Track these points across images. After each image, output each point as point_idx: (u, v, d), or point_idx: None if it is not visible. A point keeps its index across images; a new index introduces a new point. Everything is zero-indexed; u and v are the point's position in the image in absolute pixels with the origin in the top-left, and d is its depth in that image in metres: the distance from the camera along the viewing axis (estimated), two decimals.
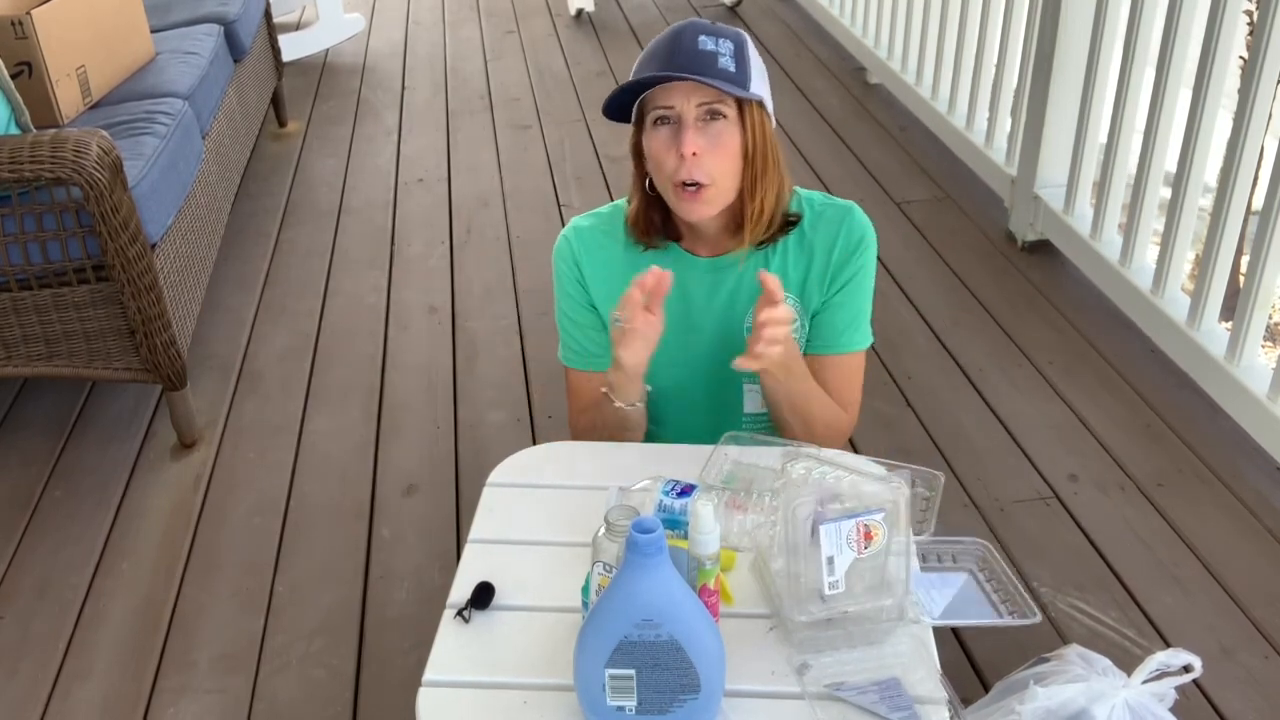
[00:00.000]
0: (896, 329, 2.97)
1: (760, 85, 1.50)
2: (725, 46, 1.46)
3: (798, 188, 1.63)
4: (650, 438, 1.74)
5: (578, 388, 1.72)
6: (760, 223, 1.54)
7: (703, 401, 1.68)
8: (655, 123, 1.48)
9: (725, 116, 1.46)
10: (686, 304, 1.63)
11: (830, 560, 1.20)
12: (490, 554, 1.37)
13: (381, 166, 4.10)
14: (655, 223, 1.60)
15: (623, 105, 1.51)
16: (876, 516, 1.20)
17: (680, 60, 1.44)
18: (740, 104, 1.47)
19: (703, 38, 1.45)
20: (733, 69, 1.45)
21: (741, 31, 1.51)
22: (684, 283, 1.62)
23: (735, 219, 1.57)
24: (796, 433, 1.58)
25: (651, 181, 1.55)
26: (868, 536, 1.20)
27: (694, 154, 1.45)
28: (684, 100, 1.45)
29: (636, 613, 1.07)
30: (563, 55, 5.10)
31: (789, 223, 1.59)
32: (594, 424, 1.65)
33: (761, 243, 1.59)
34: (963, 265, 3.25)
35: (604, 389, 1.58)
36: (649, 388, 1.64)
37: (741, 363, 1.44)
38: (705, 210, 1.51)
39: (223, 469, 2.57)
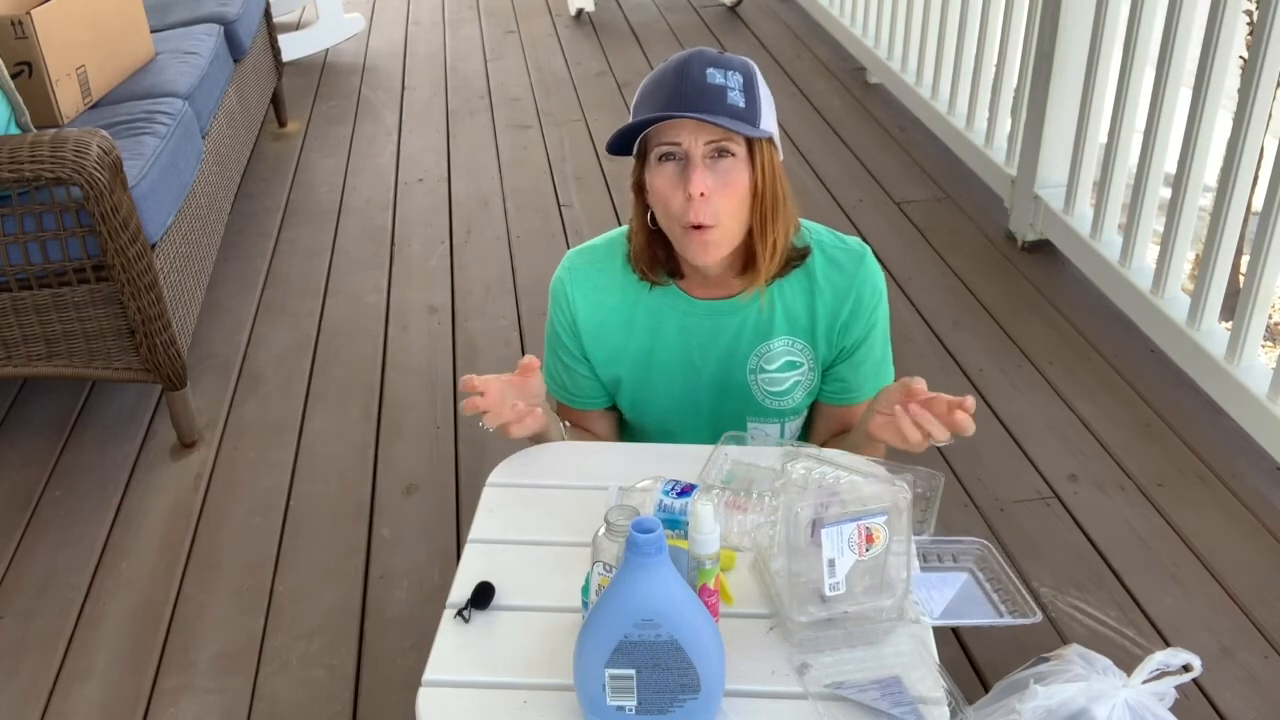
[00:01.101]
0: (897, 329, 2.93)
1: (769, 120, 1.45)
2: (734, 80, 1.40)
3: (803, 220, 1.59)
4: None
5: (563, 413, 1.73)
6: (772, 262, 1.50)
7: (702, 440, 1.67)
8: (661, 159, 1.43)
9: (734, 155, 1.41)
10: (687, 345, 1.61)
11: (831, 563, 1.20)
12: (490, 554, 1.37)
13: (381, 166, 4.11)
14: (660, 259, 1.56)
15: (625, 138, 1.45)
16: (878, 520, 1.20)
17: (689, 94, 1.38)
18: (750, 141, 1.42)
19: (711, 70, 1.40)
20: (742, 104, 1.40)
21: (749, 61, 1.46)
22: (685, 325, 1.60)
23: (741, 258, 1.53)
24: None
25: (653, 216, 1.51)
26: (869, 539, 1.20)
27: (702, 194, 1.40)
28: (692, 137, 1.40)
29: (636, 613, 1.07)
30: (563, 55, 5.10)
31: (796, 256, 1.55)
32: None
33: (769, 280, 1.55)
34: (963, 265, 3.25)
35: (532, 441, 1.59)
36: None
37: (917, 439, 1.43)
38: (714, 254, 1.47)
39: (223, 469, 2.57)
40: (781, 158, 1.49)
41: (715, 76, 1.39)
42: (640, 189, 1.51)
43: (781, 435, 1.67)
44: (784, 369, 1.60)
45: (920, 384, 1.40)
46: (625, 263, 1.60)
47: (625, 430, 1.79)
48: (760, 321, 1.58)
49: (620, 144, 1.46)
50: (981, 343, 2.90)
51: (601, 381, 1.67)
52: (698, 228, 1.43)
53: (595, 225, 3.55)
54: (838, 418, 1.68)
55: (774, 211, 1.47)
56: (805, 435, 1.75)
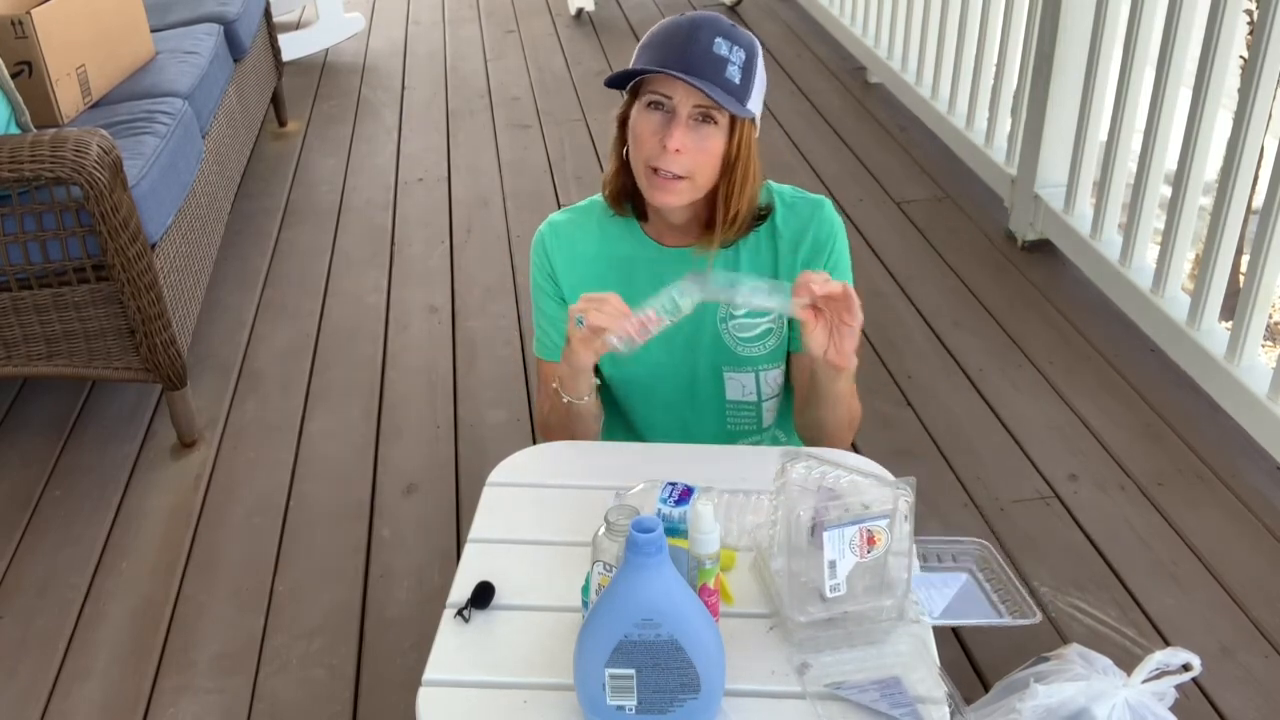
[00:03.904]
0: (896, 329, 2.96)
1: (757, 102, 1.52)
2: (737, 55, 1.47)
3: (770, 181, 1.64)
4: (627, 427, 1.77)
5: (545, 378, 1.74)
6: (729, 227, 1.57)
7: (680, 392, 1.70)
8: (649, 105, 1.50)
9: (716, 123, 1.48)
10: (658, 288, 1.63)
11: (832, 564, 1.20)
12: (490, 554, 1.37)
13: (381, 166, 4.10)
14: (627, 189, 1.62)
15: (624, 78, 1.53)
16: (880, 522, 1.20)
17: (693, 56, 1.45)
18: (733, 115, 1.49)
19: (719, 40, 1.46)
20: (737, 81, 1.47)
21: (756, 42, 1.52)
22: (656, 274, 1.62)
23: (704, 212, 1.58)
24: (829, 430, 1.59)
25: (629, 151, 1.57)
26: (871, 541, 1.20)
27: (678, 150, 1.47)
28: (682, 96, 1.47)
29: (636, 612, 1.07)
30: (563, 55, 5.10)
31: (758, 217, 1.61)
32: (547, 418, 1.67)
33: (727, 242, 1.60)
34: (963, 265, 3.25)
35: (554, 384, 1.59)
36: (597, 381, 1.65)
37: (837, 359, 1.41)
38: (673, 200, 1.53)
39: (222, 469, 2.57)
40: (757, 135, 1.55)
41: (721, 48, 1.46)
42: (624, 122, 1.58)
43: (759, 386, 1.69)
44: (754, 314, 1.64)
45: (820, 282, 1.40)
46: (601, 219, 1.66)
47: (605, 394, 1.80)
48: (727, 267, 1.63)
49: (618, 82, 1.54)
50: (981, 343, 2.90)
51: None
52: (659, 172, 1.49)
53: None
54: (808, 366, 1.69)
55: (741, 184, 1.54)
56: (788, 398, 1.76)
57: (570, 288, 1.67)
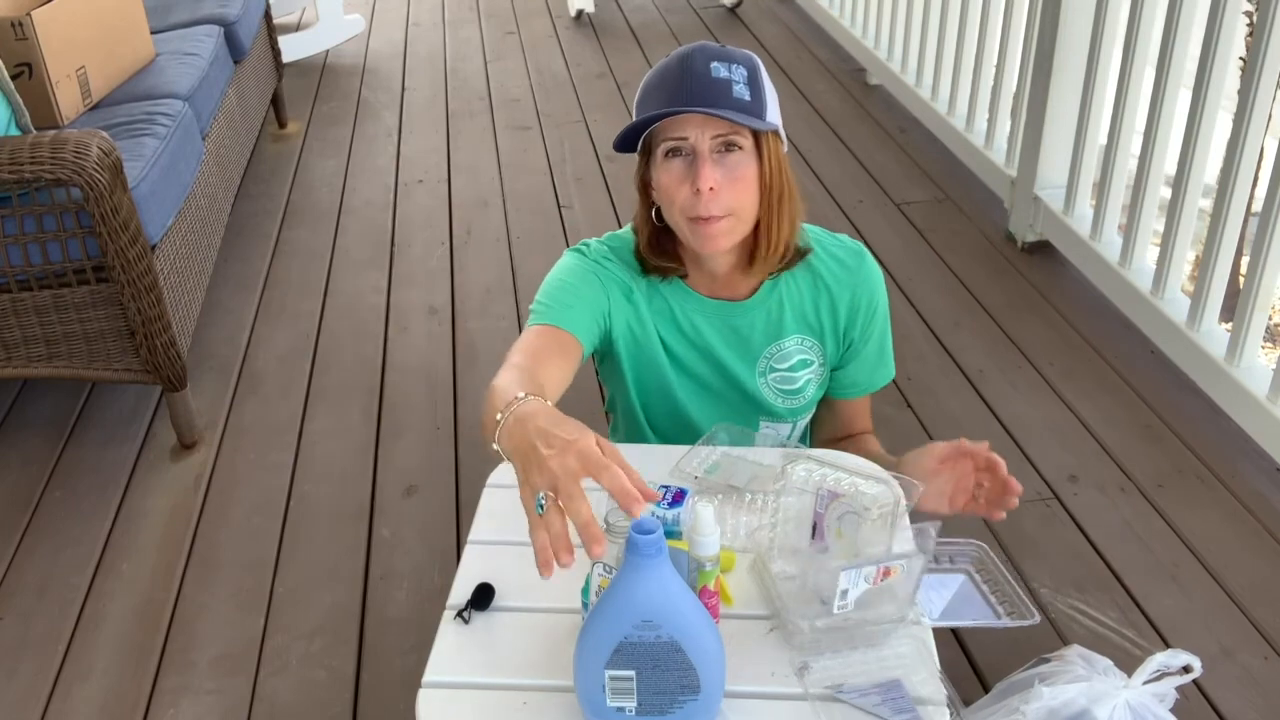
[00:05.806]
0: (897, 330, 2.94)
1: (774, 113, 1.44)
2: (739, 73, 1.39)
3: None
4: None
5: (530, 340, 1.52)
6: (774, 255, 1.49)
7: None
8: (667, 155, 1.41)
9: (741, 148, 1.40)
10: (693, 344, 1.59)
11: (844, 592, 1.19)
12: (490, 555, 1.37)
13: (381, 167, 4.11)
14: (669, 251, 1.54)
15: (631, 135, 1.43)
16: (899, 562, 1.19)
17: (693, 89, 1.37)
18: (756, 134, 1.41)
19: (715, 64, 1.38)
20: (748, 97, 1.38)
21: (753, 55, 1.44)
22: (694, 323, 1.58)
23: (747, 252, 1.51)
24: None
25: (659, 212, 1.49)
26: (886, 574, 1.19)
27: (711, 188, 1.38)
28: (698, 132, 1.38)
29: (636, 614, 1.07)
30: (563, 56, 5.10)
31: (800, 253, 1.55)
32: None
33: (772, 273, 1.55)
34: (963, 266, 3.25)
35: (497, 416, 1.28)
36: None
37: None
38: (723, 242, 1.45)
39: (223, 469, 2.57)
40: (786, 149, 1.48)
41: (720, 70, 1.38)
42: (645, 186, 1.49)
43: (792, 433, 1.67)
44: (797, 368, 1.60)
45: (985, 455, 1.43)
46: (632, 260, 1.58)
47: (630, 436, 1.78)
48: (770, 323, 1.58)
49: (627, 142, 1.44)
50: (981, 343, 2.90)
51: (601, 329, 1.57)
52: (705, 219, 1.41)
53: (595, 226, 3.55)
54: (844, 411, 1.70)
55: (780, 204, 1.45)
56: (809, 429, 1.76)
57: (613, 300, 1.56)
